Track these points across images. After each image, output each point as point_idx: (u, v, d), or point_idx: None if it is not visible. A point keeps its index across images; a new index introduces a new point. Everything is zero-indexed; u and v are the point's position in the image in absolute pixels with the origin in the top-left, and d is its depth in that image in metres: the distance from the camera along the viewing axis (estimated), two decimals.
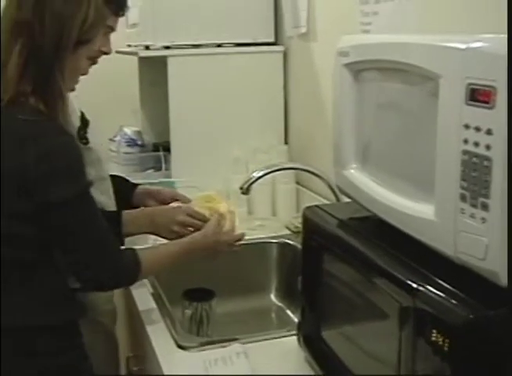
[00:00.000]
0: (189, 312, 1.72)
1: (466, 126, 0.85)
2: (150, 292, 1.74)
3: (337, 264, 1.21)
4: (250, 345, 1.45)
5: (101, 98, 2.67)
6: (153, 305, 1.68)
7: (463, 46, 0.86)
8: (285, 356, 1.41)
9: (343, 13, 1.95)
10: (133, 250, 1.45)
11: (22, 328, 1.36)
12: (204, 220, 1.63)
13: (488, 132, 0.82)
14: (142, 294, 1.71)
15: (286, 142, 2.47)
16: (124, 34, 2.32)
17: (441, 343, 0.85)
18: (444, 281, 0.91)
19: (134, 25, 2.37)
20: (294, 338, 1.41)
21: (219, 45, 2.41)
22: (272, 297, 2.09)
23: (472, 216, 0.86)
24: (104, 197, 1.69)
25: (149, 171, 2.55)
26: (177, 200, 1.84)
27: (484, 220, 0.84)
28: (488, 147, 0.82)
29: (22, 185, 1.28)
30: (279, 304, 2.06)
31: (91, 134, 1.71)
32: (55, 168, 1.29)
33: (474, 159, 0.85)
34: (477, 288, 0.88)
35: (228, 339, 1.48)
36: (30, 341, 1.36)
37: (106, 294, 1.79)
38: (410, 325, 0.92)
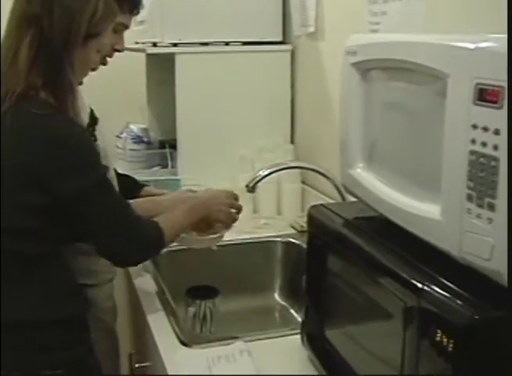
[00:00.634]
0: (192, 309, 1.72)
1: (474, 126, 0.85)
2: (154, 289, 1.74)
3: (341, 263, 1.21)
4: (253, 343, 1.45)
5: (108, 95, 2.67)
6: (157, 302, 1.68)
7: (471, 46, 0.86)
8: (288, 355, 1.41)
9: (351, 13, 1.94)
10: (154, 221, 1.48)
11: (32, 322, 1.37)
12: None
13: (496, 132, 0.82)
14: (146, 291, 1.71)
15: (292, 142, 2.47)
16: (132, 31, 2.33)
17: (445, 343, 0.85)
18: (449, 281, 0.91)
19: (142, 22, 2.37)
20: (298, 336, 1.40)
21: (227, 44, 2.41)
22: (276, 296, 2.09)
23: (478, 216, 0.86)
24: None
25: (155, 168, 2.55)
26: None
27: (490, 220, 0.84)
28: (495, 147, 0.82)
29: (34, 179, 1.29)
30: (283, 303, 2.06)
31: (99, 131, 1.72)
32: (70, 160, 1.30)
33: (482, 159, 0.84)
34: (482, 289, 0.87)
35: (232, 337, 1.48)
36: (41, 336, 1.37)
37: (105, 291, 1.80)
38: (414, 325, 0.92)
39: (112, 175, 1.76)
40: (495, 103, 0.81)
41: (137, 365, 1.85)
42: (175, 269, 1.94)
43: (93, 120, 1.72)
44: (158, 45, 2.34)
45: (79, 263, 1.57)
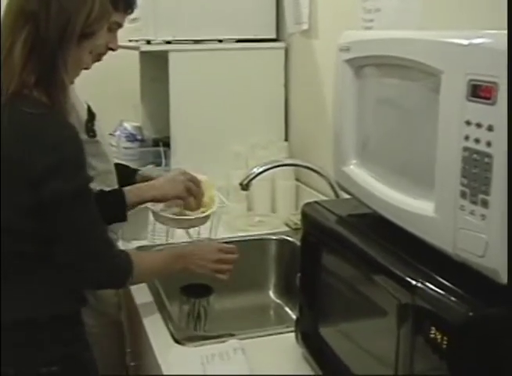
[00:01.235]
0: (186, 307, 1.72)
1: (468, 122, 0.85)
2: (148, 287, 1.73)
3: (335, 261, 1.21)
4: (247, 341, 1.44)
5: (102, 92, 2.66)
6: (151, 300, 1.67)
7: (465, 42, 0.86)
8: (282, 353, 1.40)
9: (345, 10, 1.94)
10: (127, 253, 1.46)
11: (27, 320, 1.37)
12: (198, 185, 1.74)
13: (490, 129, 0.81)
14: (140, 289, 1.70)
15: (286, 139, 2.46)
16: (126, 29, 2.32)
17: (439, 340, 0.85)
18: (443, 278, 0.91)
19: (135, 20, 2.35)
20: (292, 334, 1.40)
21: (220, 41, 2.41)
22: (271, 293, 2.09)
23: (472, 213, 0.86)
24: None
25: (149, 166, 2.54)
26: None
27: (484, 217, 0.84)
28: (488, 144, 0.82)
29: (26, 178, 1.29)
30: (278, 301, 2.06)
31: (97, 126, 1.72)
32: (57, 161, 1.29)
33: (475, 156, 0.84)
34: (476, 286, 0.87)
35: (226, 335, 1.47)
36: (36, 333, 1.37)
37: None
38: (409, 322, 0.92)
39: (113, 171, 1.76)
40: (488, 99, 0.81)
41: (132, 363, 1.85)
42: None
43: (91, 115, 1.72)
44: (151, 42, 2.33)
45: None
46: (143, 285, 1.70)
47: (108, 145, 1.88)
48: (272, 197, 2.34)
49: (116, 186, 1.74)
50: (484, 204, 0.83)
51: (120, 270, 1.44)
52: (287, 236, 2.08)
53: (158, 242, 2.01)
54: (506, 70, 0.78)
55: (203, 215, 1.79)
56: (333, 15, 2.05)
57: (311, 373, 1.31)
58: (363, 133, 1.21)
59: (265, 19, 2.44)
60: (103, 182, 1.67)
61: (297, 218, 1.98)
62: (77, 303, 1.46)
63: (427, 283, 0.90)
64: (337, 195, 1.76)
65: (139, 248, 1.96)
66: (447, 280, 0.90)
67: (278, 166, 1.92)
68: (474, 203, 0.85)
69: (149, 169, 2.21)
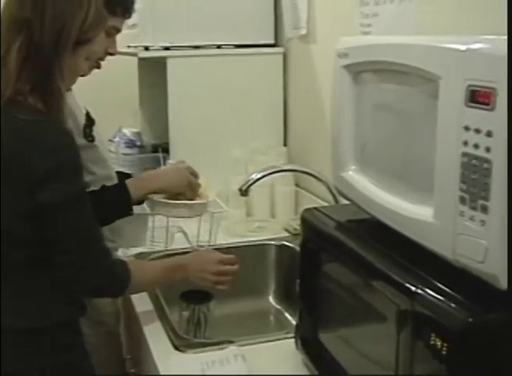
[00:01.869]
0: (186, 314, 1.71)
1: (466, 128, 0.85)
2: (148, 294, 1.73)
3: (335, 266, 1.20)
4: (247, 347, 1.44)
5: (101, 98, 2.66)
6: (151, 306, 1.67)
7: (463, 47, 0.86)
8: (282, 359, 1.40)
9: (343, 15, 1.94)
10: (125, 261, 1.46)
11: (24, 328, 1.36)
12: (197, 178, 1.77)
13: (488, 134, 0.81)
14: (140, 296, 1.70)
15: (285, 144, 2.47)
16: (124, 35, 2.32)
17: (439, 346, 0.84)
18: (443, 284, 0.90)
19: (133, 26, 2.36)
20: (292, 340, 1.40)
21: (219, 47, 2.41)
22: (271, 299, 2.08)
23: (471, 219, 0.85)
24: None
25: None
26: None
27: (483, 223, 0.84)
28: (488, 149, 0.82)
29: (25, 182, 1.28)
30: (278, 306, 2.05)
31: (96, 132, 1.72)
32: (57, 166, 1.29)
33: (474, 161, 0.84)
34: (476, 291, 0.87)
35: (226, 341, 1.47)
36: (32, 341, 1.37)
37: None
38: (408, 328, 0.92)
39: (113, 176, 1.76)
40: (487, 104, 0.81)
41: (132, 370, 1.84)
42: None
43: (90, 121, 1.72)
44: (150, 48, 2.33)
45: None
46: (143, 293, 1.70)
47: (107, 151, 1.88)
48: (271, 203, 2.33)
49: None
50: (484, 209, 0.83)
51: (118, 278, 1.43)
52: (287, 241, 2.08)
53: (157, 248, 2.01)
54: (506, 76, 0.78)
55: (202, 201, 1.77)
56: (331, 20, 2.05)
57: None
58: (361, 139, 1.21)
59: (264, 25, 2.45)
60: None
61: (296, 224, 1.98)
62: (76, 311, 1.45)
63: (427, 289, 0.90)
64: (336, 200, 1.76)
65: (138, 255, 1.95)
66: (446, 286, 0.90)
67: (277, 172, 1.91)
68: (474, 208, 0.85)
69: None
